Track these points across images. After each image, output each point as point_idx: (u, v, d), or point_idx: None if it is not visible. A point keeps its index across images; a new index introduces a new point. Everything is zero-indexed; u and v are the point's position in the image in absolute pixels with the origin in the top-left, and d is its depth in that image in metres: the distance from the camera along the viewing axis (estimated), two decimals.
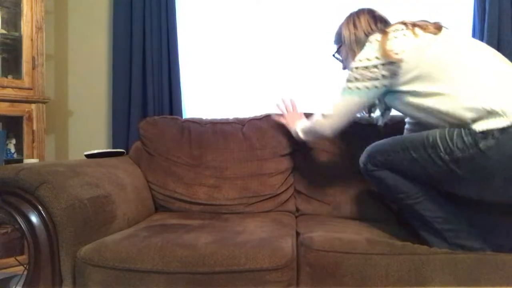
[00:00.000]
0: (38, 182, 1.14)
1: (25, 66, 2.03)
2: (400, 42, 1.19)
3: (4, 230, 1.91)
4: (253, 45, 2.26)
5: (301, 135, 1.50)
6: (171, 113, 2.22)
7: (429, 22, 1.26)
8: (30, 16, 2.03)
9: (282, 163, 1.69)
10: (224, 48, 2.29)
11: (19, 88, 2.01)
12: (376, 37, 1.24)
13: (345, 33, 1.42)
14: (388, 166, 1.19)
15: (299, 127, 1.51)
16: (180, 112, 2.24)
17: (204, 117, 1.93)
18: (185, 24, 2.32)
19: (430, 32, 1.21)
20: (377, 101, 1.40)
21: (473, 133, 1.04)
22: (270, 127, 1.76)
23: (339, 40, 1.47)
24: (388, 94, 1.29)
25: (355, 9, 1.45)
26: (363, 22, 1.38)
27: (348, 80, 1.28)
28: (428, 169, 1.11)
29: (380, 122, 1.51)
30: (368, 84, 1.24)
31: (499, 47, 2.02)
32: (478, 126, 1.03)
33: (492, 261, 1.10)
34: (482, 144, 1.02)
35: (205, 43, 2.31)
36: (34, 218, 1.12)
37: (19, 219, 1.12)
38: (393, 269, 1.09)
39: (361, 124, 1.67)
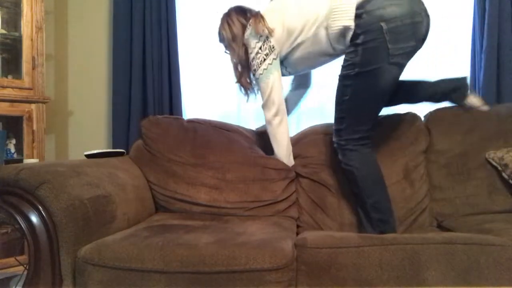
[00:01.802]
0: (38, 182, 1.14)
1: (25, 66, 2.03)
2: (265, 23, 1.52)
3: (4, 230, 1.91)
4: None
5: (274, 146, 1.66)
6: (171, 113, 2.22)
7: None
8: (30, 16, 2.03)
9: (284, 171, 1.66)
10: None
11: (19, 88, 2.01)
12: (251, 26, 1.54)
13: (223, 32, 1.65)
14: (353, 127, 1.42)
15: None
16: (180, 112, 2.25)
17: (205, 118, 1.92)
18: (185, 24, 2.32)
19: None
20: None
21: (349, 45, 1.39)
22: None
23: (221, 39, 1.71)
24: (285, 62, 1.59)
25: (225, 11, 1.69)
26: (235, 19, 1.61)
27: (258, 68, 1.55)
28: (365, 91, 1.39)
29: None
30: (268, 61, 1.53)
31: (499, 47, 2.02)
32: (348, 39, 1.39)
33: (491, 252, 1.11)
34: (359, 40, 1.35)
35: (205, 43, 2.31)
36: (34, 218, 1.12)
37: (19, 219, 1.12)
38: (386, 259, 1.10)
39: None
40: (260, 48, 1.53)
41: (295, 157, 1.70)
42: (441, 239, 1.14)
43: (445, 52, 2.20)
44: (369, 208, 1.42)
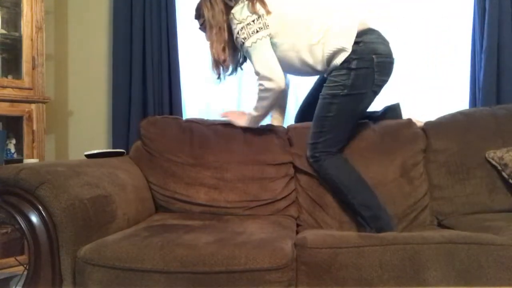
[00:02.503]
0: (38, 182, 1.14)
1: (25, 66, 2.03)
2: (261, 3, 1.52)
3: (4, 230, 1.91)
4: None
5: (254, 112, 1.64)
6: (171, 113, 2.22)
7: None
8: (30, 16, 2.03)
9: (283, 169, 1.67)
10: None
11: (19, 88, 2.01)
12: (245, 3, 1.53)
13: (205, 10, 1.64)
14: (330, 142, 1.53)
15: (250, 111, 1.66)
16: (180, 112, 2.25)
17: (205, 117, 1.92)
18: (185, 24, 2.32)
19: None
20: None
21: (340, 67, 1.48)
22: (272, 134, 1.78)
23: (199, 16, 1.70)
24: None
25: None
26: (218, 1, 1.60)
27: (245, 39, 1.52)
28: (348, 110, 1.52)
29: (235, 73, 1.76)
30: (261, 34, 1.51)
31: (499, 47, 2.02)
32: (338, 61, 1.48)
33: (491, 251, 1.11)
34: (353, 65, 1.46)
35: (205, 43, 2.30)
36: (34, 218, 1.12)
37: (19, 219, 1.12)
38: (386, 259, 1.10)
39: (363, 140, 1.66)
40: (253, 21, 1.51)
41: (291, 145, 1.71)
42: (441, 239, 1.14)
43: (445, 52, 2.21)
44: (359, 208, 1.47)
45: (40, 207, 1.12)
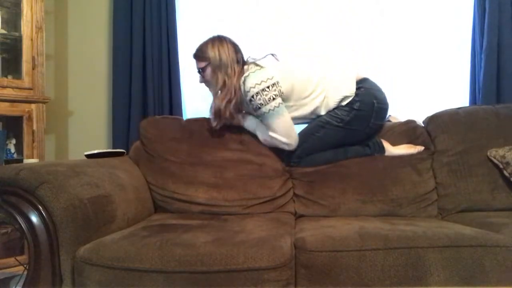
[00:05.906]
0: (38, 182, 1.14)
1: (25, 66, 2.03)
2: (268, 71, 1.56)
3: (4, 230, 1.92)
4: (253, 44, 2.26)
5: (265, 136, 1.66)
6: (171, 113, 2.23)
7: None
8: (30, 16, 2.04)
9: (281, 167, 1.69)
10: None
11: (19, 88, 2.01)
12: (255, 67, 1.58)
13: (211, 53, 1.61)
14: (306, 152, 1.66)
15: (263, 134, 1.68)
16: (180, 112, 2.25)
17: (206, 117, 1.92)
18: (185, 24, 2.32)
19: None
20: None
21: (344, 105, 1.62)
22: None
23: (203, 58, 1.65)
24: None
25: (216, 35, 1.66)
26: (227, 49, 1.61)
27: (262, 104, 1.54)
28: (333, 137, 1.66)
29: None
30: (278, 100, 1.55)
31: (499, 47, 2.02)
32: (343, 103, 1.62)
33: (495, 253, 1.10)
34: (355, 106, 1.61)
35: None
36: (34, 218, 1.12)
37: (19, 219, 1.12)
38: (389, 264, 1.10)
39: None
40: (268, 88, 1.53)
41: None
42: (446, 241, 1.13)
43: (445, 52, 2.21)
44: (349, 156, 1.67)
45: (40, 207, 1.12)
